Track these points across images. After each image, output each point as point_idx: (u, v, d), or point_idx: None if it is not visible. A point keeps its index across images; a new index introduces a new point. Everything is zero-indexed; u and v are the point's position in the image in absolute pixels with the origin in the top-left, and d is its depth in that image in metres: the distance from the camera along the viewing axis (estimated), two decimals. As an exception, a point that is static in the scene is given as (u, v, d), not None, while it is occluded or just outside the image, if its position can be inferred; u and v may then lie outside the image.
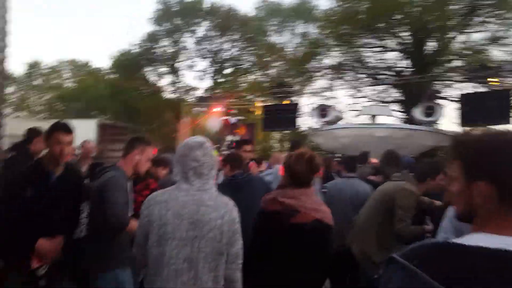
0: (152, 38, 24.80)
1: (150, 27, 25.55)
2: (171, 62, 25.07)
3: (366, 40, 19.89)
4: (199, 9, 24.83)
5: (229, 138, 15.53)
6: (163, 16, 24.72)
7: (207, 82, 25.78)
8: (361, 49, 20.22)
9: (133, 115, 22.48)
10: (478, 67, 12.58)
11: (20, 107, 29.37)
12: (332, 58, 20.89)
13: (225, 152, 9.67)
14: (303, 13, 24.17)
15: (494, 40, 17.61)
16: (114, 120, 18.22)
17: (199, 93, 23.73)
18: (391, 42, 19.79)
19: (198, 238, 1.61)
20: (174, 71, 25.32)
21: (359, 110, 16.60)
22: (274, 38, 25.30)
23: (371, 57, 20.62)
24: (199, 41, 25.10)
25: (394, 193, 2.85)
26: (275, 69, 23.42)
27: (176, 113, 21.10)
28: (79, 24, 58.03)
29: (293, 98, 15.95)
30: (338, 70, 20.03)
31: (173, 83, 25.48)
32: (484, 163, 0.85)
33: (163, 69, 25.42)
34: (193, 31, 25.13)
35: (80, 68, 30.36)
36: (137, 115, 22.66)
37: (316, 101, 18.14)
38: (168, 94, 25.32)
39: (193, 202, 1.65)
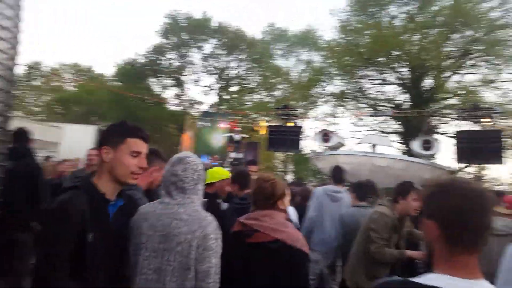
0: (158, 50, 25.28)
1: (156, 39, 26.06)
2: (176, 75, 25.51)
3: (367, 72, 20.93)
4: (207, 26, 25.54)
5: (232, 155, 15.66)
6: (170, 29, 25.30)
7: (212, 98, 26.34)
8: (362, 80, 21.23)
9: (135, 124, 22.49)
10: (471, 106, 13.28)
11: (16, 107, 28.86)
12: (335, 86, 21.85)
13: (231, 170, 10.10)
14: (307, 41, 25.24)
15: (486, 83, 18.90)
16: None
17: (204, 107, 24.25)
18: (390, 76, 20.89)
19: (167, 251, 1.64)
20: (179, 84, 25.74)
21: (360, 138, 17.31)
22: (280, 62, 26.28)
23: (372, 88, 21.68)
24: (205, 58, 25.73)
25: (368, 218, 2.93)
26: (280, 91, 24.24)
27: (180, 125, 21.35)
28: (84, 30, 57.92)
29: (297, 121, 16.52)
30: (340, 98, 20.98)
31: (177, 95, 25.91)
32: (432, 204, 0.95)
33: (168, 81, 25.84)
34: (200, 47, 25.77)
35: (82, 73, 30.32)
36: (138, 124, 22.63)
37: (320, 125, 18.92)
38: (172, 106, 25.64)
39: (167, 216, 1.68)
